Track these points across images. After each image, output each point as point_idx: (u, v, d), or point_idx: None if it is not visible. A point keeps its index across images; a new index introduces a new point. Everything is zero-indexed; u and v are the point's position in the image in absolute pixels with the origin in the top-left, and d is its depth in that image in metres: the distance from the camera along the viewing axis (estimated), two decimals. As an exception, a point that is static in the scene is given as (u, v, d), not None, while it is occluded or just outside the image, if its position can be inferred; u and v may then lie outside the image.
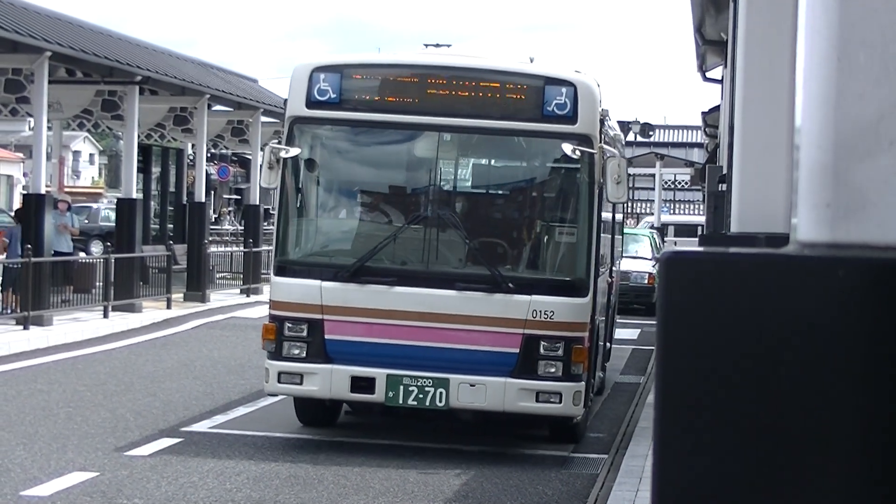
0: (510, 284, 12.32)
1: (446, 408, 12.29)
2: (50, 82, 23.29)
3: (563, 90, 12.36)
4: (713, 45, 20.84)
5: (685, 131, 64.43)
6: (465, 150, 13.19)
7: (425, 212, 12.68)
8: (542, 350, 12.31)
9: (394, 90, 12.95)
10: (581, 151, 12.11)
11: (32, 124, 25.49)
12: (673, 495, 2.85)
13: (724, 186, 14.62)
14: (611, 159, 12.19)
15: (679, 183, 64.12)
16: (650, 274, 33.62)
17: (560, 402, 12.30)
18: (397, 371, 12.29)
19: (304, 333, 12.62)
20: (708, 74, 25.03)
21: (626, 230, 37.72)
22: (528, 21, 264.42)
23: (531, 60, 12.89)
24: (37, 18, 24.71)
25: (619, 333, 24.65)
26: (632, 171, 65.67)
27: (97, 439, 12.63)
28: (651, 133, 61.55)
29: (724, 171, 15.17)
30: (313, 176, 13.14)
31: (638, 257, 33.90)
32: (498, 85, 12.67)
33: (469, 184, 13.59)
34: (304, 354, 12.60)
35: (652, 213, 58.16)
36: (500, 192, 13.65)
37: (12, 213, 32.76)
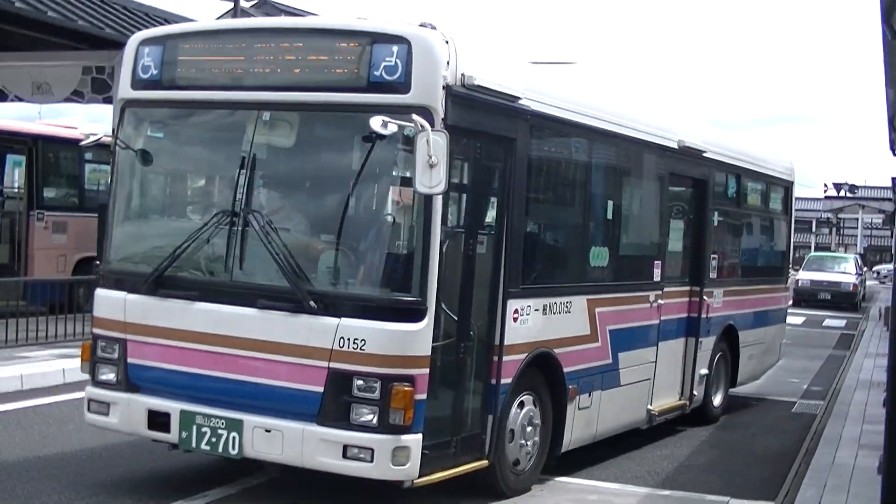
0: (312, 303, 7.92)
1: (240, 457, 8.21)
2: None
3: (394, 49, 7.88)
4: (901, 132, 22.21)
5: (880, 190, 76.21)
6: (284, 131, 8.76)
7: (232, 210, 8.45)
8: (354, 391, 7.80)
9: (207, 64, 8.87)
10: (400, 127, 7.67)
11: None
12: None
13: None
14: (421, 135, 7.48)
15: (874, 224, 78.76)
16: (854, 283, 39.82)
17: (371, 460, 7.74)
18: (192, 407, 8.34)
19: (114, 355, 8.82)
20: (896, 152, 26.56)
21: (835, 254, 41.57)
22: (769, 113, 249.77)
23: (430, 27, 8.18)
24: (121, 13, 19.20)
25: (831, 323, 32.31)
26: (841, 216, 76.36)
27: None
28: (856, 190, 77.28)
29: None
30: (131, 168, 9.21)
31: (846, 272, 40.25)
32: (322, 49, 8.33)
33: (285, 174, 8.98)
34: (112, 380, 8.83)
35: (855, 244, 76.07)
36: (321, 183, 8.85)
37: None
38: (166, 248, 8.67)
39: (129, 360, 8.72)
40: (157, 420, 8.50)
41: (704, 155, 12.82)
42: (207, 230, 8.48)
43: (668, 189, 12.11)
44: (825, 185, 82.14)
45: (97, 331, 8.98)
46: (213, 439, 8.21)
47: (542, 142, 9.65)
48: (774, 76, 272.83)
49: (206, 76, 8.80)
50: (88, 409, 8.96)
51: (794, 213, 17.15)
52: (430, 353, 7.92)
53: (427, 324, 7.86)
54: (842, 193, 75.59)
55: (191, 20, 17.26)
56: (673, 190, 12.43)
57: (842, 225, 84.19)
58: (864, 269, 47.14)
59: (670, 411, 12.33)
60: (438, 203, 7.86)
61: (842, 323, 32.37)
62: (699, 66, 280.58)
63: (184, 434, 8.35)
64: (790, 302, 16.73)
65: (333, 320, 7.86)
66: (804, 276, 39.71)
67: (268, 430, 8.03)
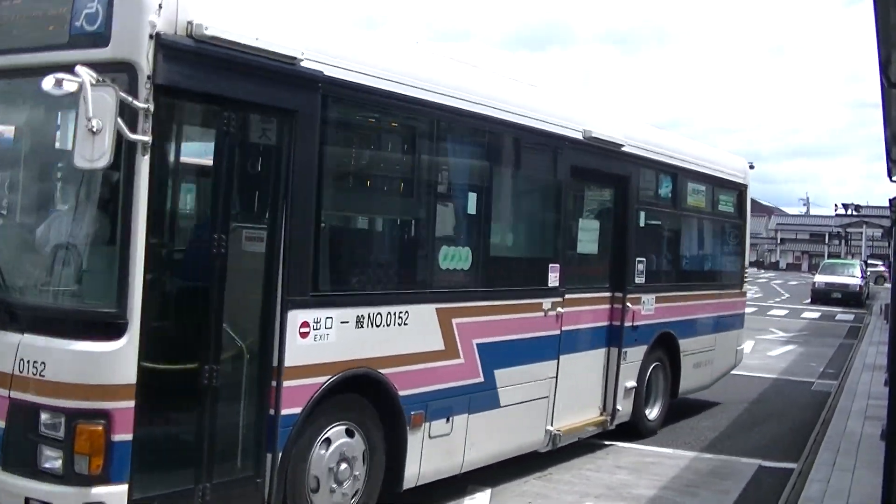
0: None
1: None
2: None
3: None
4: (898, 162, 24.30)
5: (880, 209, 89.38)
6: (7, 104, 6.82)
7: None
8: (41, 428, 5.79)
9: None
10: (79, 85, 5.46)
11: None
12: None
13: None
14: (79, 93, 5.44)
15: (875, 237, 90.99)
16: (860, 285, 44.82)
17: None
18: None
19: None
20: (894, 179, 28.64)
21: (844, 261, 44.80)
22: (795, 146, 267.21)
23: None
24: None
25: (842, 317, 35.66)
26: (849, 230, 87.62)
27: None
28: (860, 209, 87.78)
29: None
30: None
31: (853, 276, 44.93)
32: (34, 2, 6.39)
33: (9, 154, 6.98)
34: None
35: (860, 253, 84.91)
36: (24, 166, 6.82)
37: None
38: None
39: None
40: None
41: (623, 150, 11.03)
42: None
43: (568, 184, 10.21)
44: (836, 206, 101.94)
45: None
46: None
47: (344, 116, 7.62)
48: (801, 118, 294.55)
49: None
50: None
51: (749, 216, 15.20)
52: (134, 381, 5.89)
53: (128, 342, 5.84)
54: (849, 212, 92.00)
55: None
56: (579, 186, 10.73)
57: (849, 237, 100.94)
58: (868, 272, 53.09)
59: (583, 429, 10.70)
60: (142, 186, 5.87)
61: (850, 317, 36.57)
62: (745, 108, 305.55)
63: None
64: (745, 308, 14.88)
65: (15, 336, 5.95)
66: (819, 278, 45.59)
67: None
